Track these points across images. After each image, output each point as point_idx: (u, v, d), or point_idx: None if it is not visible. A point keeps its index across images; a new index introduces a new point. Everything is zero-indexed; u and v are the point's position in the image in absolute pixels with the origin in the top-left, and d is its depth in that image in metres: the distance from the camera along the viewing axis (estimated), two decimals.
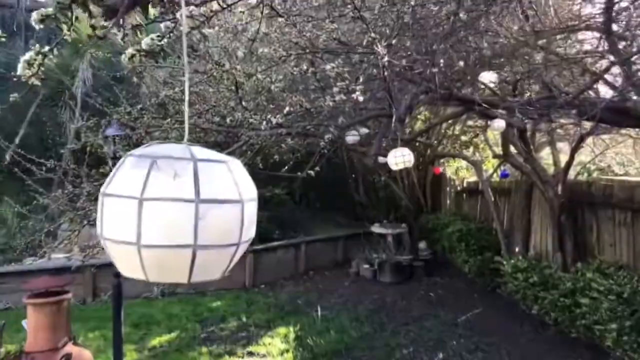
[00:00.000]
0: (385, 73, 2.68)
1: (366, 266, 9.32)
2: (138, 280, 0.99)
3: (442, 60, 3.06)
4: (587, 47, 4.90)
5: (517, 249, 7.29)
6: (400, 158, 3.19)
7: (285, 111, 2.69)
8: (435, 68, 3.01)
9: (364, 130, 7.18)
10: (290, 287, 8.74)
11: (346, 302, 7.76)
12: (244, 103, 2.69)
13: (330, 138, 2.84)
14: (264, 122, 2.59)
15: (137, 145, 3.83)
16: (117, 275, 4.16)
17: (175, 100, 4.01)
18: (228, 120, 2.85)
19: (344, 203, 12.57)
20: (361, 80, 2.62)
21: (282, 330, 6.38)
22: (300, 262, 9.70)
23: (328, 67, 2.56)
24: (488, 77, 3.75)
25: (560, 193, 6.03)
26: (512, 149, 7.31)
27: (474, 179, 11.40)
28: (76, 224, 6.09)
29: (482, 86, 3.98)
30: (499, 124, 5.16)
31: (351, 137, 5.11)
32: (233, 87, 2.68)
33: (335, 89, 2.69)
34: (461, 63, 3.54)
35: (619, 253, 5.56)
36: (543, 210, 7.03)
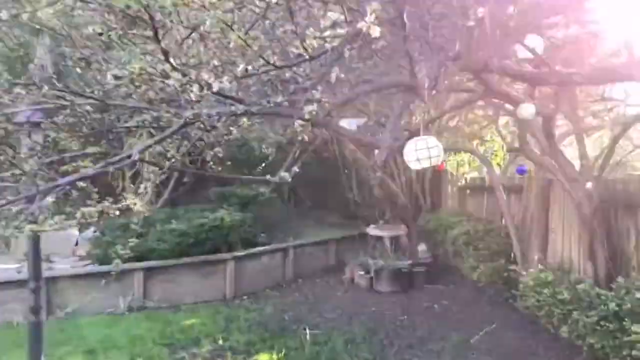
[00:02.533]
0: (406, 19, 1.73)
1: (361, 273, 8.36)
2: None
3: (480, 11, 2.12)
4: None
5: (535, 257, 6.35)
6: (424, 152, 2.22)
7: (238, 70, 1.70)
8: (471, 21, 2.06)
9: (360, 121, 6.18)
10: (276, 298, 7.75)
11: (340, 316, 6.79)
12: (173, 60, 1.67)
13: (314, 114, 1.87)
14: (194, 87, 1.57)
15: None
16: (36, 310, 3.15)
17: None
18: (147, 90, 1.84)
19: (336, 201, 11.60)
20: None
21: (263, 357, 5.40)
22: (288, 269, 8.73)
23: None
24: (533, 42, 2.81)
25: (593, 193, 5.09)
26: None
27: (475, 174, 10.48)
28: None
29: (518, 57, 3.02)
30: (529, 109, 4.20)
31: (346, 124, 4.13)
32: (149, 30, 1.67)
33: (324, 24, 1.67)
34: (512, 9, 2.57)
35: None
36: (567, 212, 6.09)
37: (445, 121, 9.77)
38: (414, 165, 2.33)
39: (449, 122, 9.72)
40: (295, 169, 2.35)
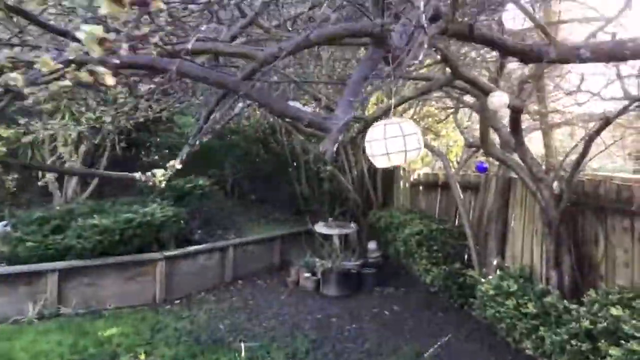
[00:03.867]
0: None
1: (307, 275, 7.73)
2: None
3: None
4: None
5: (494, 262, 5.90)
6: (397, 142, 1.55)
7: None
8: None
9: (307, 109, 5.48)
10: (211, 303, 6.99)
11: (282, 325, 6.12)
12: None
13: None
14: None
15: None
16: None
17: None
18: None
19: (283, 196, 10.90)
20: None
21: None
22: (227, 269, 7.96)
23: None
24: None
25: (563, 195, 4.63)
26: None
27: (426, 170, 10.02)
28: None
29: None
30: (502, 99, 3.66)
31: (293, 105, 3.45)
32: None
33: None
34: None
35: (639, 275, 4.23)
36: (529, 214, 5.67)
37: (398, 114, 9.28)
38: (382, 162, 1.67)
39: (402, 115, 9.23)
40: (178, 165, 1.65)
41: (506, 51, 2.10)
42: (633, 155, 7.27)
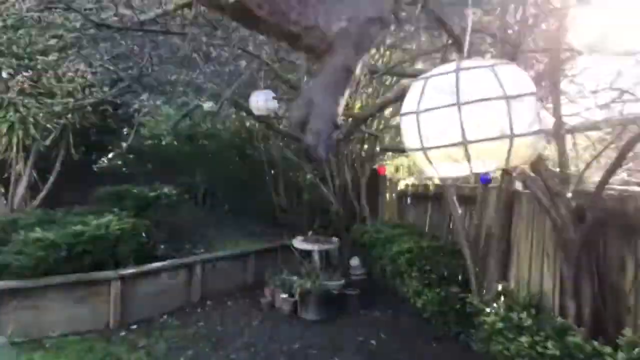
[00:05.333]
0: None
1: (284, 296, 6.90)
2: None
3: None
4: None
5: (498, 287, 5.16)
6: (491, 113, 0.75)
7: None
8: None
9: (272, 104, 4.60)
10: (174, 328, 6.11)
11: (253, 358, 5.29)
12: None
13: None
14: None
15: None
16: None
17: None
18: None
19: (260, 206, 10.07)
20: None
21: None
22: (194, 289, 7.09)
23: None
24: None
25: (587, 213, 3.92)
26: None
27: (414, 180, 9.30)
28: None
29: None
30: None
31: (262, 103, 2.72)
32: None
33: None
34: None
35: None
36: (538, 232, 4.96)
37: (387, 118, 8.60)
38: (448, 167, 0.89)
39: (391, 120, 8.54)
40: None
41: None
42: None
